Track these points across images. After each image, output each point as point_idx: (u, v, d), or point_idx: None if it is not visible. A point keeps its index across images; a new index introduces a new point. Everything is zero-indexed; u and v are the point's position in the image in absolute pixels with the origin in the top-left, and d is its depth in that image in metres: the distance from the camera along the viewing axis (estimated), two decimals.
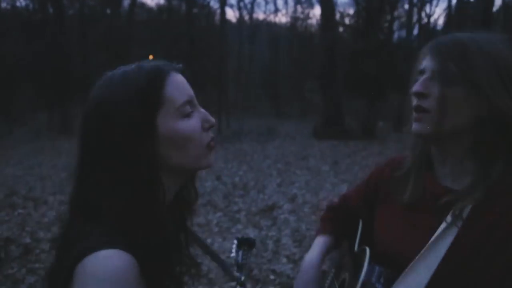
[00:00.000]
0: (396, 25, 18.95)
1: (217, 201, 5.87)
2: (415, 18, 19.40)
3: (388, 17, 17.31)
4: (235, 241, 1.34)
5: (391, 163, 1.04)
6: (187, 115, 0.78)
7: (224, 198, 6.01)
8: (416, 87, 0.85)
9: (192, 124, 0.78)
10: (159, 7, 21.55)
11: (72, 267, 0.64)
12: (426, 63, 0.86)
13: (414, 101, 0.86)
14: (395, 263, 0.86)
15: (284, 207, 5.57)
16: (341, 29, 19.54)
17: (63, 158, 9.00)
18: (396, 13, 18.51)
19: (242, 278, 1.26)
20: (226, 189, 6.59)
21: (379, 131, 13.72)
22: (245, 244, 1.34)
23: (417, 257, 0.82)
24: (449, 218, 0.82)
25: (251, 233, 4.55)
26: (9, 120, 14.89)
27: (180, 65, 0.83)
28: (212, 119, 0.82)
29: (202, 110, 0.82)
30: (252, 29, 25.49)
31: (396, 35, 19.28)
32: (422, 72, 0.86)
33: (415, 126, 0.85)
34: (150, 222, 0.72)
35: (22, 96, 16.08)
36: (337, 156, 9.57)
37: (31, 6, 19.88)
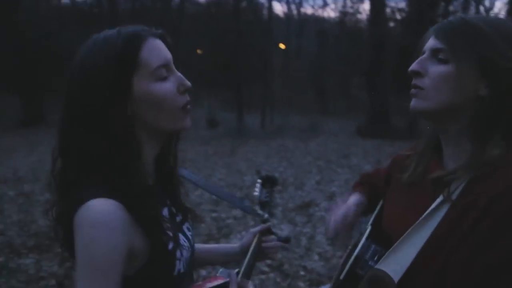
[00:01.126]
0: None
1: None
2: (472, 11, 18.54)
3: (441, 11, 16.66)
4: (259, 180, 1.34)
5: (412, 148, 1.06)
6: (163, 79, 0.84)
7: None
8: (412, 66, 0.88)
9: (166, 86, 0.85)
10: (208, 2, 21.96)
11: (71, 218, 0.79)
12: (427, 43, 0.88)
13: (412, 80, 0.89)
14: (391, 242, 0.89)
15: (321, 204, 5.59)
16: (391, 24, 19.06)
17: None
18: (451, 7, 17.79)
19: (266, 215, 1.28)
20: None
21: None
22: (268, 182, 1.33)
23: (404, 235, 0.85)
24: (440, 198, 0.84)
25: (286, 228, 4.62)
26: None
27: (160, 31, 0.89)
28: (188, 83, 0.88)
29: (179, 74, 0.88)
30: (300, 24, 25.35)
31: None
32: (423, 53, 0.89)
33: (412, 103, 0.89)
34: (127, 174, 0.82)
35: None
36: (380, 156, 9.39)
37: (88, 1, 20.92)
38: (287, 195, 6.03)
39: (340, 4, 26.99)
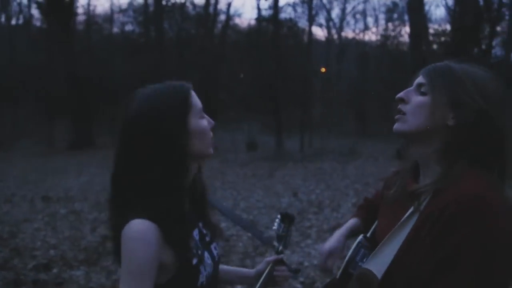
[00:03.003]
0: (497, 41, 17.78)
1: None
2: None
3: (487, 33, 16.32)
4: (279, 216, 1.47)
5: (399, 167, 1.24)
6: (202, 117, 1.11)
7: (298, 214, 6.25)
8: (399, 94, 1.07)
9: (205, 122, 1.12)
10: (249, 28, 22.64)
11: (119, 234, 1.01)
12: (416, 79, 1.08)
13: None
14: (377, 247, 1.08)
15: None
16: (434, 46, 18.84)
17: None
18: (499, 28, 17.39)
19: (280, 248, 1.42)
20: (301, 206, 6.83)
21: None
22: (287, 218, 1.46)
23: (384, 240, 1.03)
24: (411, 208, 1.02)
25: (319, 248, 4.73)
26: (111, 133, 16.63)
27: (191, 85, 1.15)
28: (212, 121, 1.14)
29: (205, 115, 1.15)
30: (341, 47, 25.50)
31: (498, 52, 18.03)
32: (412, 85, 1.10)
33: (394, 125, 1.06)
34: (171, 200, 1.04)
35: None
36: None
37: (137, 30, 22.13)
38: (322, 217, 6.14)
39: (381, 27, 26.91)
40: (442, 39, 18.97)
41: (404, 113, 1.05)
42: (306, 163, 11.67)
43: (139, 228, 0.98)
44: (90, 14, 22.32)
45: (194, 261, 1.08)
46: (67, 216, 6.49)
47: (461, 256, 0.87)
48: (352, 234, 1.38)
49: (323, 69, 22.55)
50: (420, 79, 1.06)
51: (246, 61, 20.50)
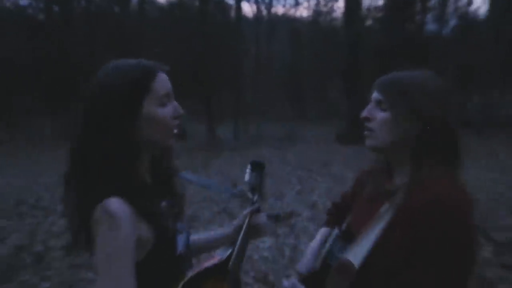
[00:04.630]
0: (429, 17, 19.05)
1: (233, 208, 6.27)
2: (452, 8, 19.43)
3: (419, 8, 17.41)
4: (249, 166, 1.55)
5: (371, 166, 1.45)
6: (164, 104, 1.16)
7: (241, 206, 6.37)
8: (363, 113, 1.28)
9: (165, 111, 1.16)
10: (171, 3, 22.18)
11: (89, 213, 1.06)
12: (373, 95, 1.29)
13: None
14: (354, 239, 1.26)
15: (303, 214, 5.92)
16: (368, 22, 19.76)
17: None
18: (430, 3, 18.62)
19: (255, 197, 1.49)
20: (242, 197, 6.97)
21: None
22: (258, 166, 1.54)
23: (361, 234, 1.21)
24: (385, 207, 1.22)
25: (268, 240, 4.91)
26: (9, 126, 15.61)
27: (167, 67, 1.21)
28: (181, 110, 1.20)
29: (175, 102, 1.21)
30: (271, 25, 25.83)
31: (430, 28, 19.31)
32: (371, 101, 1.31)
33: (366, 141, 1.28)
34: (127, 174, 1.11)
35: (24, 101, 16.70)
36: (363, 163, 9.65)
37: (34, 4, 20.68)
38: (267, 207, 6.33)
39: (313, 2, 27.64)
40: (378, 15, 19.95)
41: (372, 130, 1.27)
42: (243, 151, 11.85)
43: (115, 207, 1.03)
44: None
45: (170, 230, 1.17)
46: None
47: (428, 248, 1.06)
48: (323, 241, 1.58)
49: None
50: (377, 95, 1.28)
51: (170, 41, 20.12)
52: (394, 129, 1.22)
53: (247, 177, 1.53)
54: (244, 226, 1.40)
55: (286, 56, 25.52)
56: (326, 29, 25.20)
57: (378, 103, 1.26)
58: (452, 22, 19.53)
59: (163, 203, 1.22)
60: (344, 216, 1.51)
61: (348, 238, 1.30)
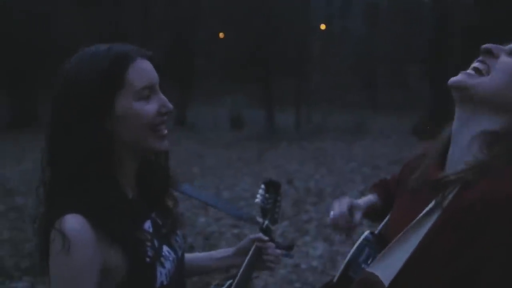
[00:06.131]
0: None
1: (285, 208, 6.12)
2: None
3: None
4: (262, 185, 1.48)
5: (424, 149, 1.21)
6: (145, 98, 1.05)
7: (294, 205, 6.24)
8: (488, 44, 1.02)
9: (147, 107, 1.05)
10: None
11: (48, 229, 1.00)
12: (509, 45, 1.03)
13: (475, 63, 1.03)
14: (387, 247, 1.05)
15: (365, 220, 5.67)
16: None
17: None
18: None
19: (266, 223, 1.43)
20: (297, 195, 6.86)
21: None
22: (272, 187, 1.48)
23: (395, 239, 1.00)
24: (432, 203, 0.99)
25: (320, 246, 4.74)
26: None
27: (150, 52, 1.10)
28: (170, 105, 1.09)
29: (162, 96, 1.09)
30: (344, 1, 25.41)
31: None
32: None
33: (462, 77, 1.02)
34: (101, 188, 1.02)
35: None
36: None
37: None
38: (323, 208, 6.13)
39: None
40: None
41: (488, 66, 1.01)
42: (303, 143, 11.71)
43: (72, 227, 0.97)
44: None
45: (148, 257, 1.06)
46: (6, 213, 6.37)
47: (483, 271, 0.88)
48: (370, 210, 1.40)
49: (323, 26, 22.41)
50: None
51: (228, 19, 20.24)
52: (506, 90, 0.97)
53: (258, 198, 1.46)
54: (248, 257, 1.32)
55: (360, 36, 24.99)
56: (408, 5, 24.44)
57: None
58: None
59: (147, 224, 1.13)
60: (390, 198, 1.31)
61: (381, 244, 1.12)
